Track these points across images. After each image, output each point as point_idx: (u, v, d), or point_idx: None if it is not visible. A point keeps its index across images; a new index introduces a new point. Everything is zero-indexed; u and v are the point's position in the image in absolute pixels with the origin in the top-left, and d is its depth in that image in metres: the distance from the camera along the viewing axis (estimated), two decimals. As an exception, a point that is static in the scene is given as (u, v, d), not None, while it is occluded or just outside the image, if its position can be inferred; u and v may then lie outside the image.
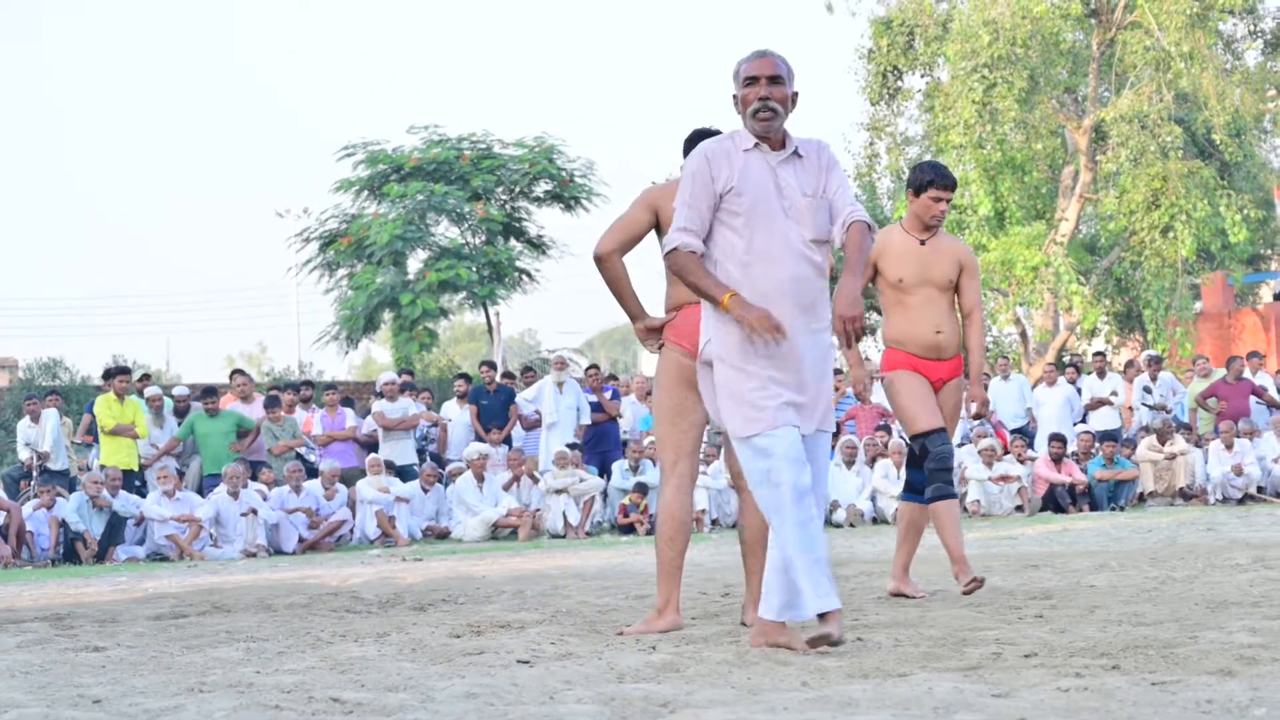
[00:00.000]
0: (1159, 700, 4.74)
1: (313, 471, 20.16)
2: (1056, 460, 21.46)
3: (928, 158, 39.17)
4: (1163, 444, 22.04)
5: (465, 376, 23.96)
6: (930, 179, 8.97)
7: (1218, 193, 32.19)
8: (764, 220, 6.58)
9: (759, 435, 6.45)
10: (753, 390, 6.50)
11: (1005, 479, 21.17)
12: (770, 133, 6.67)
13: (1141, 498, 21.91)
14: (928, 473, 8.99)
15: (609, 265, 7.72)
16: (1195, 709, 4.59)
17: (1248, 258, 40.29)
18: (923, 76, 35.19)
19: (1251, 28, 35.58)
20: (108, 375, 20.57)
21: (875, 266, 8.98)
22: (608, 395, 22.34)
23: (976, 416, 9.36)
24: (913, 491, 9.22)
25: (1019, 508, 21.08)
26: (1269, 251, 45.44)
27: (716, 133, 9.11)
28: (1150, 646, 6.04)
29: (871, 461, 20.98)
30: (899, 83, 34.84)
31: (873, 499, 20.67)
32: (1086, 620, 7.11)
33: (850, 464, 20.83)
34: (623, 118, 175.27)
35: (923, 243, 9.00)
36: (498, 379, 22.98)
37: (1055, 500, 21.23)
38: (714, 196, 6.62)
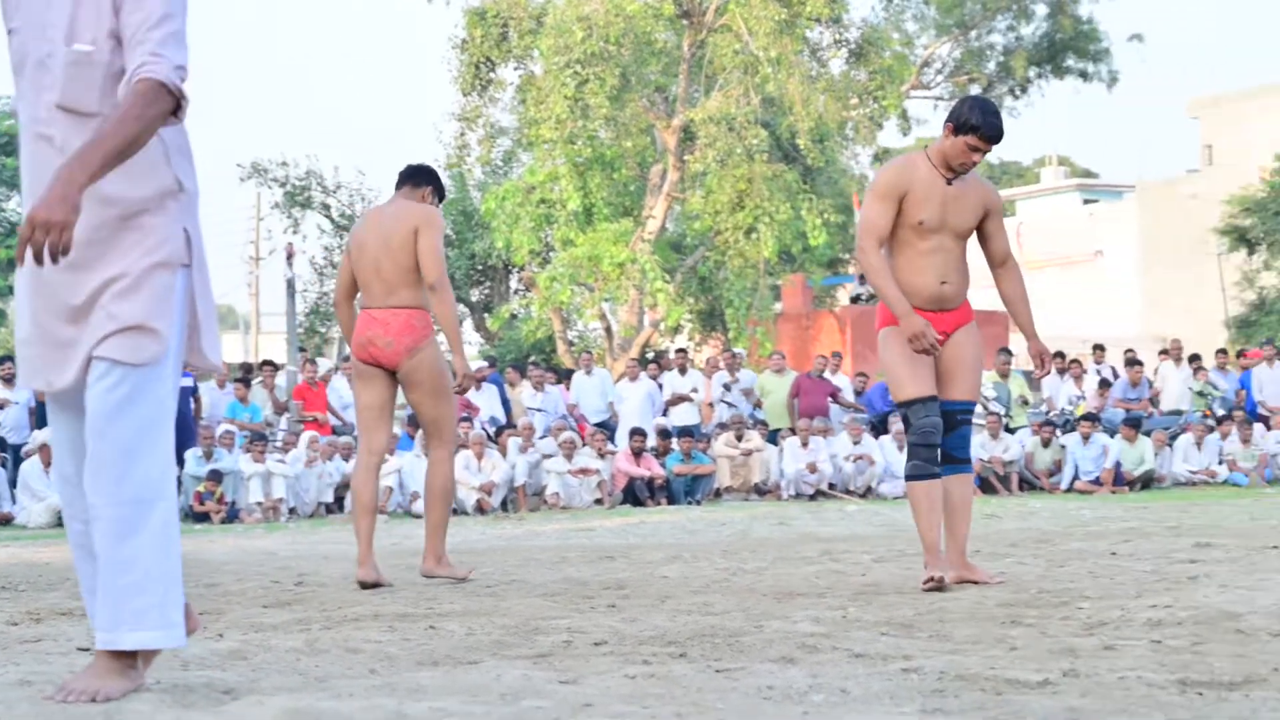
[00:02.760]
0: (722, 686, 4.79)
1: None
2: (636, 454, 21.72)
3: (521, 152, 39.39)
4: (739, 440, 22.48)
5: (10, 358, 23.25)
6: (975, 125, 7.82)
7: (800, 196, 33.02)
8: (21, 82, 4.74)
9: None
10: None
11: (585, 472, 21.33)
12: None
13: (718, 492, 22.31)
14: (908, 446, 8.05)
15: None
16: (756, 695, 4.65)
17: (827, 261, 41.56)
18: (516, 69, 35.27)
19: (837, 36, 36.58)
20: None
21: (898, 202, 7.89)
22: (188, 381, 21.82)
23: (1045, 373, 8.31)
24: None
25: (598, 500, 21.27)
26: (847, 255, 46.88)
27: (425, 170, 9.70)
28: (717, 635, 6.10)
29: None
30: (492, 74, 34.82)
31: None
32: (657, 610, 7.16)
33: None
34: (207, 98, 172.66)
35: (949, 183, 7.97)
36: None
37: (634, 494, 21.47)
38: None
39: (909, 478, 8.09)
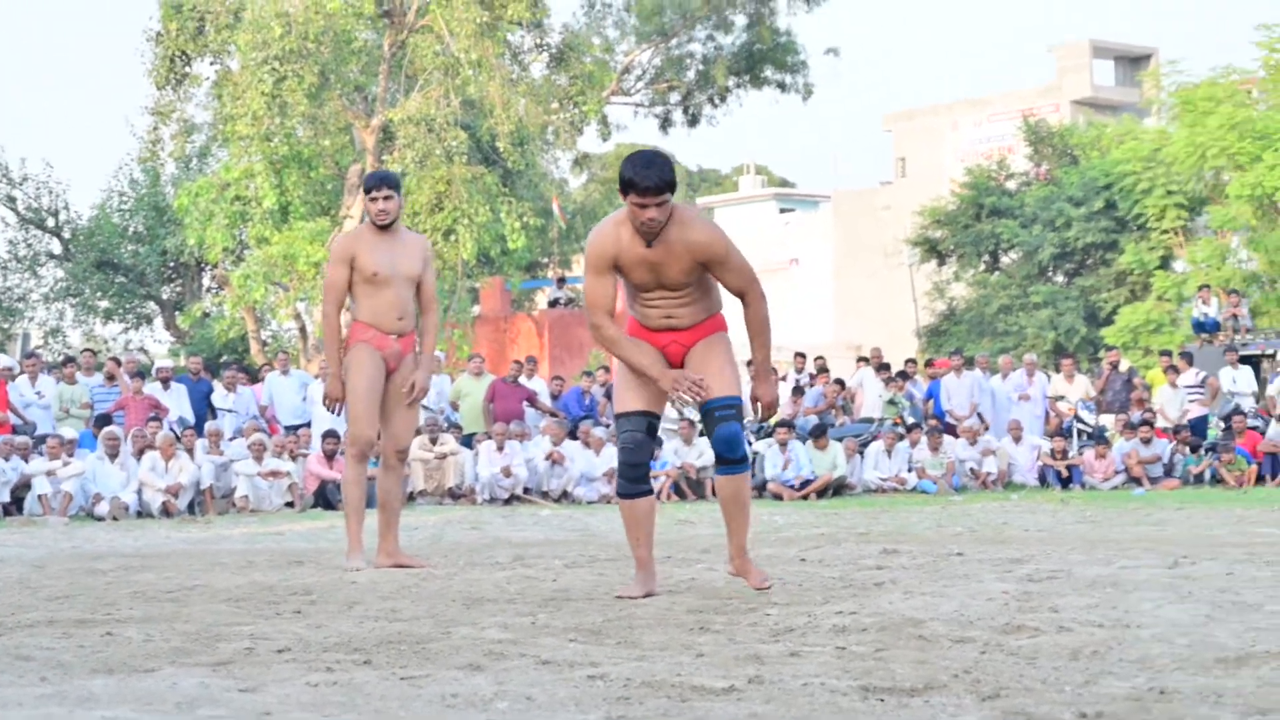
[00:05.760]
0: (406, 694, 4.73)
1: None
2: (330, 457, 21.40)
3: (216, 148, 38.78)
4: (434, 443, 22.33)
5: None
6: (629, 180, 7.30)
7: (499, 199, 33.05)
8: None
9: None
10: None
11: (276, 474, 20.98)
12: None
13: (412, 496, 22.09)
14: (617, 464, 7.95)
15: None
16: (440, 702, 4.60)
17: (525, 264, 41.67)
18: (213, 64, 34.63)
19: (538, 41, 36.71)
20: None
21: (612, 270, 7.60)
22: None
23: (761, 419, 8.31)
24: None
25: (289, 503, 20.95)
26: (546, 259, 47.09)
27: None
28: (404, 642, 6.02)
29: (139, 454, 20.38)
30: (187, 68, 34.13)
31: (139, 492, 20.08)
32: (344, 616, 7.05)
33: (114, 457, 20.20)
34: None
35: (649, 244, 7.46)
36: None
37: (326, 497, 21.17)
38: None
39: (617, 494, 8.03)
